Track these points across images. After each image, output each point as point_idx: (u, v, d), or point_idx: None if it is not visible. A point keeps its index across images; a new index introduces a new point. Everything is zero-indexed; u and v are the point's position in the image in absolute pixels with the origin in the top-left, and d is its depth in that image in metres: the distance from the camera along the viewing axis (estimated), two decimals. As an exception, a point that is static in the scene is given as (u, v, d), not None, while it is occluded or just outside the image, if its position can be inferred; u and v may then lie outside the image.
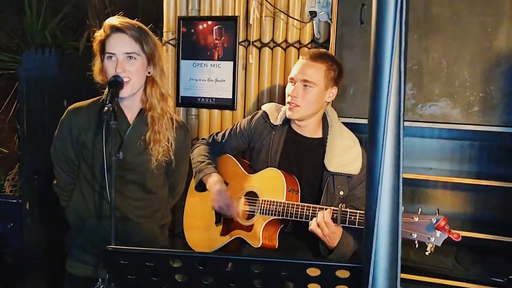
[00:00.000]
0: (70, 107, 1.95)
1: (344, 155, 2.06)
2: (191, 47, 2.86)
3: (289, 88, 2.10)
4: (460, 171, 2.43)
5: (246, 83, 2.82)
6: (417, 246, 1.72)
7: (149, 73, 1.89)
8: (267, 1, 2.68)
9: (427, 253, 2.42)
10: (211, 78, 2.86)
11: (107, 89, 1.93)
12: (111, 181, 1.58)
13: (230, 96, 2.83)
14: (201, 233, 2.28)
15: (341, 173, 2.05)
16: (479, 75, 2.16)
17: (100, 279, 1.91)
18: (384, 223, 0.91)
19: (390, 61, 0.88)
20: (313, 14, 2.58)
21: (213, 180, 2.18)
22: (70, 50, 4.25)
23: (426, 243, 1.71)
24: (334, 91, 2.09)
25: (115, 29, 1.82)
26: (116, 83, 1.78)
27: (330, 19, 2.54)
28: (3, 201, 3.77)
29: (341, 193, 2.04)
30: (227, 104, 2.85)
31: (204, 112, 2.91)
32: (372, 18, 0.88)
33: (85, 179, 1.93)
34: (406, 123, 2.28)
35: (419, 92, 2.25)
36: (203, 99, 2.88)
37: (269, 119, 2.20)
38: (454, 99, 2.20)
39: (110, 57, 1.82)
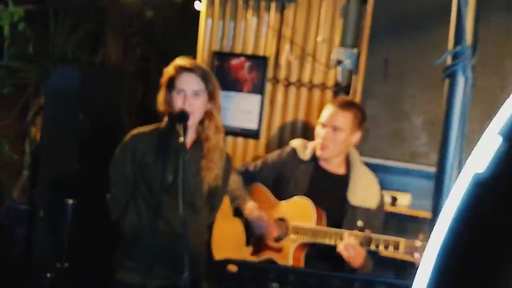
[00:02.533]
0: (133, 132, 2.18)
1: (365, 191, 2.37)
2: (223, 79, 3.10)
3: (320, 131, 2.40)
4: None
5: (271, 116, 3.09)
6: None
7: (207, 107, 2.14)
8: (297, 46, 2.98)
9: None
10: (239, 108, 3.12)
11: (166, 118, 2.17)
12: (181, 202, 1.80)
13: (256, 127, 3.09)
14: (231, 253, 2.51)
15: (361, 207, 2.34)
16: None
17: (147, 288, 2.13)
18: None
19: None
20: (339, 62, 2.88)
21: (251, 207, 2.43)
22: (86, 65, 4.41)
23: None
24: (358, 135, 2.41)
25: (185, 69, 2.08)
26: (185, 117, 2.03)
27: (354, 68, 2.85)
28: (14, 207, 3.87)
29: (359, 223, 2.33)
30: (252, 134, 3.10)
31: (230, 139, 3.15)
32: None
33: (142, 197, 2.15)
34: (420, 166, 2.60)
35: (433, 140, 2.56)
36: (230, 127, 3.12)
37: (298, 155, 2.48)
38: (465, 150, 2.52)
39: (179, 92, 2.06)
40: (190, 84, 2.07)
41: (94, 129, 3.37)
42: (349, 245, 2.15)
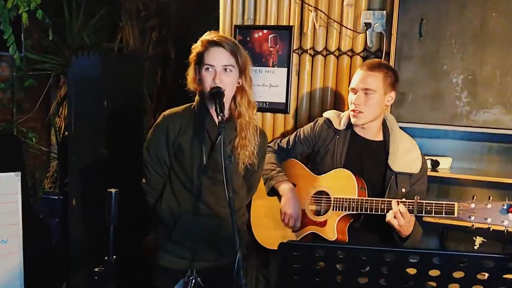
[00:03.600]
0: (165, 113, 2.11)
1: (406, 157, 2.27)
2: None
3: (351, 97, 2.30)
4: (509, 171, 2.65)
5: (298, 89, 2.99)
6: (491, 229, 1.92)
7: (239, 83, 2.05)
8: (322, 12, 2.86)
9: (475, 247, 2.65)
10: (266, 83, 3.03)
11: (197, 96, 2.09)
12: (228, 183, 1.72)
13: (284, 100, 3.00)
14: (271, 231, 2.45)
15: (404, 172, 2.25)
16: (531, 85, 2.37)
17: (189, 271, 2.08)
18: None
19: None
20: (368, 25, 2.76)
21: (286, 188, 2.38)
22: (104, 52, 4.37)
23: (501, 226, 1.91)
24: (392, 95, 2.30)
25: (213, 43, 1.99)
26: (218, 94, 1.95)
27: (384, 30, 2.73)
28: (47, 198, 3.88)
29: (403, 190, 2.25)
30: (280, 108, 3.02)
31: (258, 115, 3.07)
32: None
33: (178, 179, 2.09)
34: (461, 128, 2.49)
35: (473, 100, 2.45)
36: (257, 103, 3.02)
37: (332, 125, 2.39)
38: (506, 106, 2.41)
39: (208, 68, 1.98)
40: (219, 59, 1.98)
41: (118, 115, 3.36)
42: (398, 213, 2.07)
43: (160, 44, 4.65)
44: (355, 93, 2.27)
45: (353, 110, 2.28)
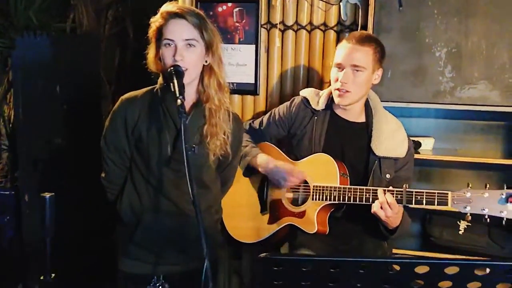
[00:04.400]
0: (123, 97, 1.84)
1: (391, 140, 2.07)
2: (210, 30, 2.75)
3: (336, 74, 2.06)
4: (496, 150, 2.50)
5: (268, 67, 2.76)
6: (488, 220, 1.75)
7: (206, 61, 1.80)
8: (292, -18, 2.61)
9: (460, 232, 2.50)
10: (232, 62, 2.77)
11: (161, 78, 1.83)
12: (191, 177, 1.49)
13: (252, 81, 2.76)
14: (245, 222, 2.24)
15: (388, 157, 2.05)
16: (518, 57, 2.20)
17: (155, 277, 1.84)
18: None
19: None
20: (342, -4, 2.53)
21: (264, 160, 2.13)
22: (56, 32, 4.02)
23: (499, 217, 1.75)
24: (379, 72, 2.09)
25: (174, 14, 1.72)
26: (179, 73, 1.69)
27: (360, 1, 2.51)
28: (-4, 194, 3.57)
29: (388, 176, 2.06)
30: (249, 89, 2.77)
31: (224, 97, 2.82)
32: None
33: (139, 172, 1.84)
34: (445, 106, 2.31)
35: (458, 75, 2.27)
36: (224, 84, 2.79)
37: (310, 105, 2.17)
38: (492, 81, 2.24)
39: (169, 44, 1.72)
40: (180, 32, 1.71)
41: (74, 101, 3.11)
42: (385, 203, 1.87)
43: (117, 23, 4.33)
44: (342, 70, 2.03)
45: (339, 89, 2.04)
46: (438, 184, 2.60)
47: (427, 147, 2.51)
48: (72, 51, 3.23)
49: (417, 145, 2.48)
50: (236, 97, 2.81)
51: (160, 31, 1.73)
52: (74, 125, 3.10)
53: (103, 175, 1.90)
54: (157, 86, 1.83)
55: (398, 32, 2.30)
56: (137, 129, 1.80)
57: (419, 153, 2.46)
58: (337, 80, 2.04)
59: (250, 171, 2.19)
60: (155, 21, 1.74)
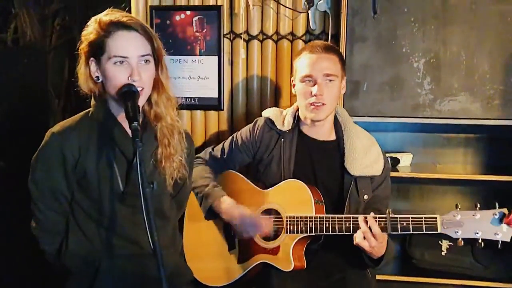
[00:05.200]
0: (53, 130, 1.55)
1: (365, 157, 1.90)
2: (167, 41, 2.50)
3: (306, 88, 1.87)
4: (478, 165, 2.37)
5: (232, 80, 2.54)
6: (482, 245, 1.59)
7: (155, 77, 1.56)
8: (256, -12, 2.41)
9: (443, 253, 2.35)
10: (193, 75, 2.54)
11: (93, 100, 1.57)
12: (150, 220, 1.25)
13: (216, 95, 2.54)
14: (212, 263, 2.00)
15: (364, 176, 1.88)
16: (499, 67, 2.08)
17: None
18: None
19: None
20: (310, 3, 2.35)
21: (229, 205, 1.90)
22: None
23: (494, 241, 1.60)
24: (344, 81, 1.96)
25: (122, 25, 1.47)
26: (132, 94, 1.44)
27: (329, 9, 2.34)
28: None
29: (366, 197, 1.89)
30: (212, 104, 2.55)
31: (185, 113, 2.58)
32: None
33: (84, 213, 1.57)
34: (425, 120, 2.16)
35: (437, 86, 2.13)
36: (183, 99, 2.54)
37: (275, 125, 1.97)
38: (473, 93, 2.11)
39: (121, 62, 1.47)
40: (135, 48, 1.47)
41: (18, 119, 2.88)
42: (369, 233, 1.68)
43: (65, 32, 4.03)
44: (313, 82, 1.85)
45: (313, 104, 1.86)
46: (418, 201, 2.46)
47: (406, 163, 2.36)
48: (15, 65, 3.05)
49: (395, 161, 2.32)
50: (199, 113, 2.59)
51: (100, 45, 1.47)
52: (19, 145, 2.79)
53: (34, 224, 1.60)
54: (92, 110, 1.57)
55: (373, 41, 2.14)
56: (79, 166, 1.52)
57: (397, 170, 2.30)
58: (309, 94, 1.86)
59: (212, 213, 1.96)
60: (90, 33, 1.49)
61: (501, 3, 2.05)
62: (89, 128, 1.55)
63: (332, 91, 1.85)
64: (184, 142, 1.65)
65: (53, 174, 1.52)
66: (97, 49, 1.48)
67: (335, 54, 1.89)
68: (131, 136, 1.40)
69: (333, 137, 1.97)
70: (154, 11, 2.52)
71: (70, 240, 1.58)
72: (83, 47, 1.52)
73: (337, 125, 1.98)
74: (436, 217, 1.64)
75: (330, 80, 1.85)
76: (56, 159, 1.51)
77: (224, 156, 2.08)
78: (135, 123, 1.35)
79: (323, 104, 1.85)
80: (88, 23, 1.53)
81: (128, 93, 1.44)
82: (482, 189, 2.33)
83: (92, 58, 1.50)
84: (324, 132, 1.96)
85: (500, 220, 1.57)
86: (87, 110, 1.60)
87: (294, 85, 1.94)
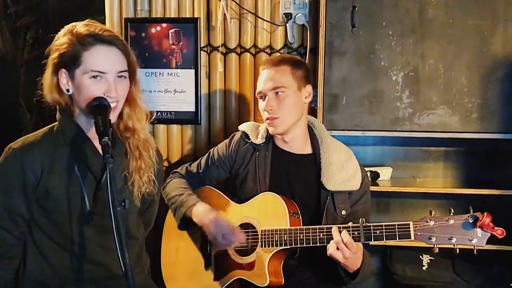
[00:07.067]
0: (14, 146, 1.46)
1: (342, 171, 1.87)
2: (142, 54, 2.45)
3: (261, 104, 1.89)
4: (457, 178, 2.36)
5: (210, 94, 2.50)
6: (457, 252, 1.55)
7: (129, 91, 1.51)
8: (233, 1, 2.37)
9: (424, 267, 2.33)
10: (169, 89, 2.49)
11: (58, 114, 1.51)
12: (121, 241, 1.18)
13: (193, 109, 2.49)
14: (188, 281, 1.93)
15: (341, 191, 1.84)
16: (476, 81, 2.08)
17: None
18: None
19: None
20: (288, 16, 2.33)
21: (202, 210, 1.85)
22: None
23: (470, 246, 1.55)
24: (308, 89, 1.91)
25: (101, 40, 1.42)
26: (104, 107, 1.38)
27: (307, 22, 2.32)
28: None
29: (343, 212, 1.85)
30: (189, 118, 2.50)
31: (161, 128, 2.52)
32: None
33: (45, 236, 1.48)
34: (404, 134, 2.15)
35: (416, 100, 2.12)
36: (159, 113, 2.49)
37: (250, 139, 1.94)
38: (452, 106, 2.10)
39: (98, 76, 1.41)
40: (113, 63, 1.43)
41: None
42: (341, 243, 1.64)
43: (38, 45, 3.95)
44: (265, 98, 1.85)
45: (267, 118, 1.86)
46: (398, 215, 2.43)
47: (385, 177, 2.33)
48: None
49: (375, 175, 2.29)
50: (175, 128, 2.53)
51: (74, 58, 1.41)
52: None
53: None
54: (57, 124, 1.50)
55: (351, 55, 2.12)
56: (41, 185, 1.44)
57: (377, 184, 2.27)
58: (264, 110, 1.87)
59: (186, 223, 1.90)
60: (64, 43, 1.42)
61: (477, 17, 2.06)
62: (54, 143, 1.47)
63: (282, 103, 1.83)
64: (156, 158, 1.60)
65: (10, 195, 1.43)
66: (70, 61, 1.42)
67: (286, 64, 1.86)
68: (101, 152, 1.33)
69: (309, 150, 1.94)
70: (129, 23, 2.46)
71: (28, 265, 1.48)
72: (54, 56, 1.45)
73: (313, 139, 1.95)
74: (409, 224, 1.60)
75: (278, 93, 1.83)
76: (15, 178, 1.43)
77: (200, 171, 2.03)
78: (105, 138, 1.29)
79: (276, 118, 1.84)
80: (61, 32, 1.47)
81: (99, 107, 1.38)
82: (462, 202, 2.30)
83: (63, 69, 1.44)
84: (297, 146, 1.93)
85: (474, 224, 1.54)
86: (51, 125, 1.52)
87: None
